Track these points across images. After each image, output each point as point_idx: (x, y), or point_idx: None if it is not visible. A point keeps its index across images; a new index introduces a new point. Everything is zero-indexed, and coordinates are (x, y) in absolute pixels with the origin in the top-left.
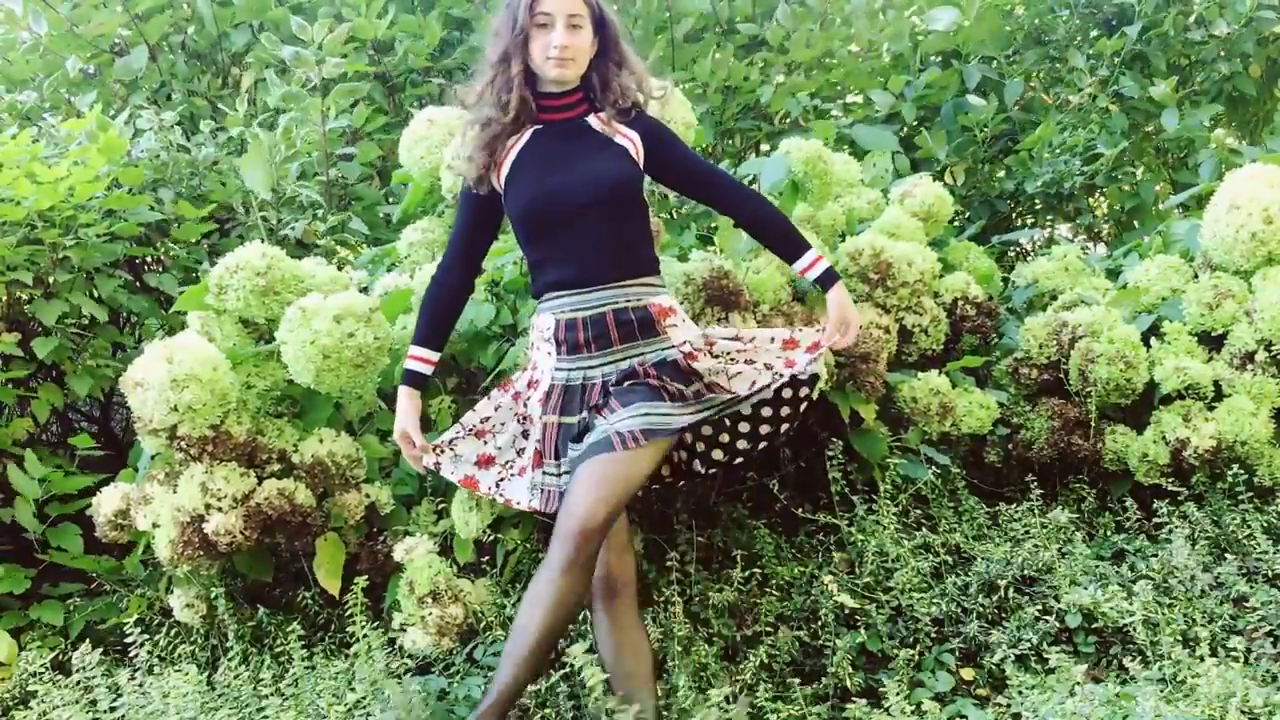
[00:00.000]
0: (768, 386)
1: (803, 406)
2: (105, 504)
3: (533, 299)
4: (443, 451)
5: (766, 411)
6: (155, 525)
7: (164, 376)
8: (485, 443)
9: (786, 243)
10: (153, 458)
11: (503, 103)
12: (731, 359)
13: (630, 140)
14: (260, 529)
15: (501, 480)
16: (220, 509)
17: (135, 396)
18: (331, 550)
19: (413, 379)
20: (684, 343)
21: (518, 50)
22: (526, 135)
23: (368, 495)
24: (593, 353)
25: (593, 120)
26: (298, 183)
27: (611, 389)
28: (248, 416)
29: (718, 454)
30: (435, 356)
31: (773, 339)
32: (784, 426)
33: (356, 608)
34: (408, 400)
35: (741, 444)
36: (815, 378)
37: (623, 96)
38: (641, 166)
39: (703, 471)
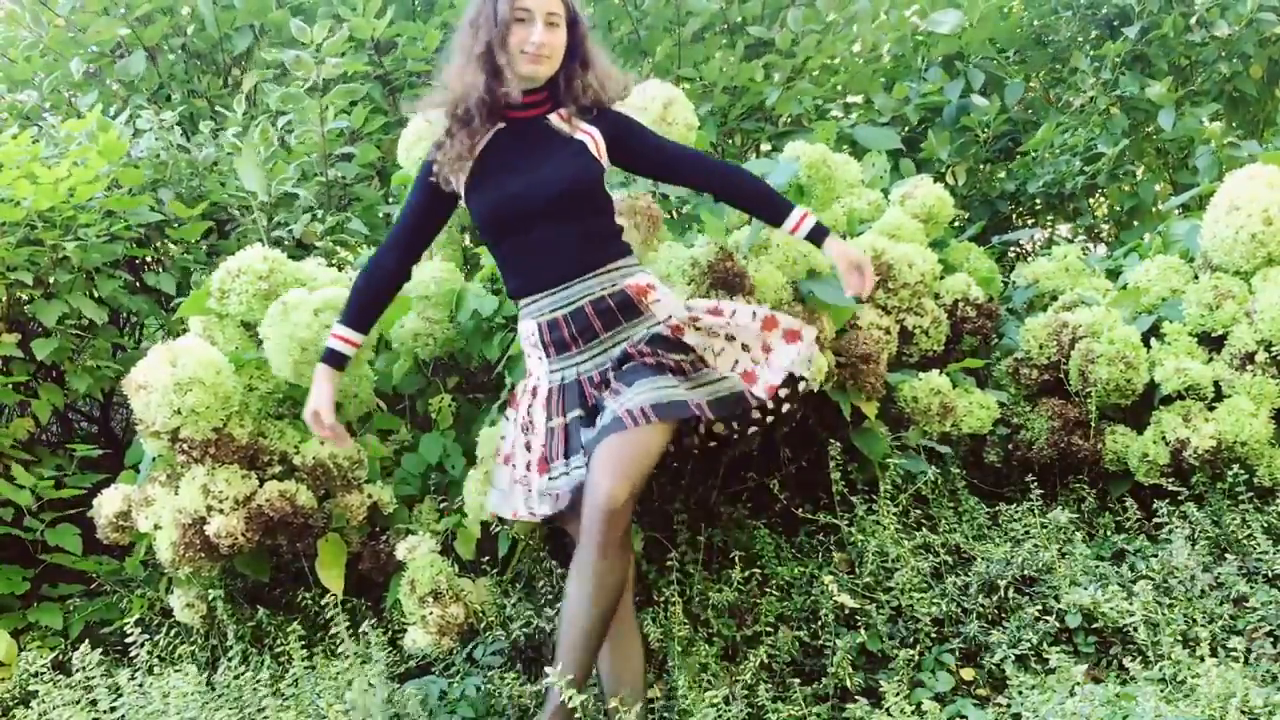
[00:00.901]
0: (761, 399)
1: (784, 407)
2: (106, 505)
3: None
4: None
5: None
6: (157, 527)
7: (167, 379)
8: (514, 468)
9: (770, 206)
10: (154, 459)
11: (489, 96)
12: (713, 334)
13: (590, 135)
14: (262, 530)
15: (528, 500)
16: (222, 511)
17: (138, 399)
18: (333, 550)
19: (333, 359)
20: (668, 317)
21: (501, 44)
22: (489, 135)
23: (369, 495)
24: (581, 348)
25: (553, 118)
26: (293, 185)
27: (613, 374)
28: (249, 419)
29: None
30: (360, 339)
31: (754, 314)
32: (772, 418)
33: (335, 608)
34: (324, 379)
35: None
36: (794, 378)
37: (584, 95)
38: (603, 161)
39: (694, 448)
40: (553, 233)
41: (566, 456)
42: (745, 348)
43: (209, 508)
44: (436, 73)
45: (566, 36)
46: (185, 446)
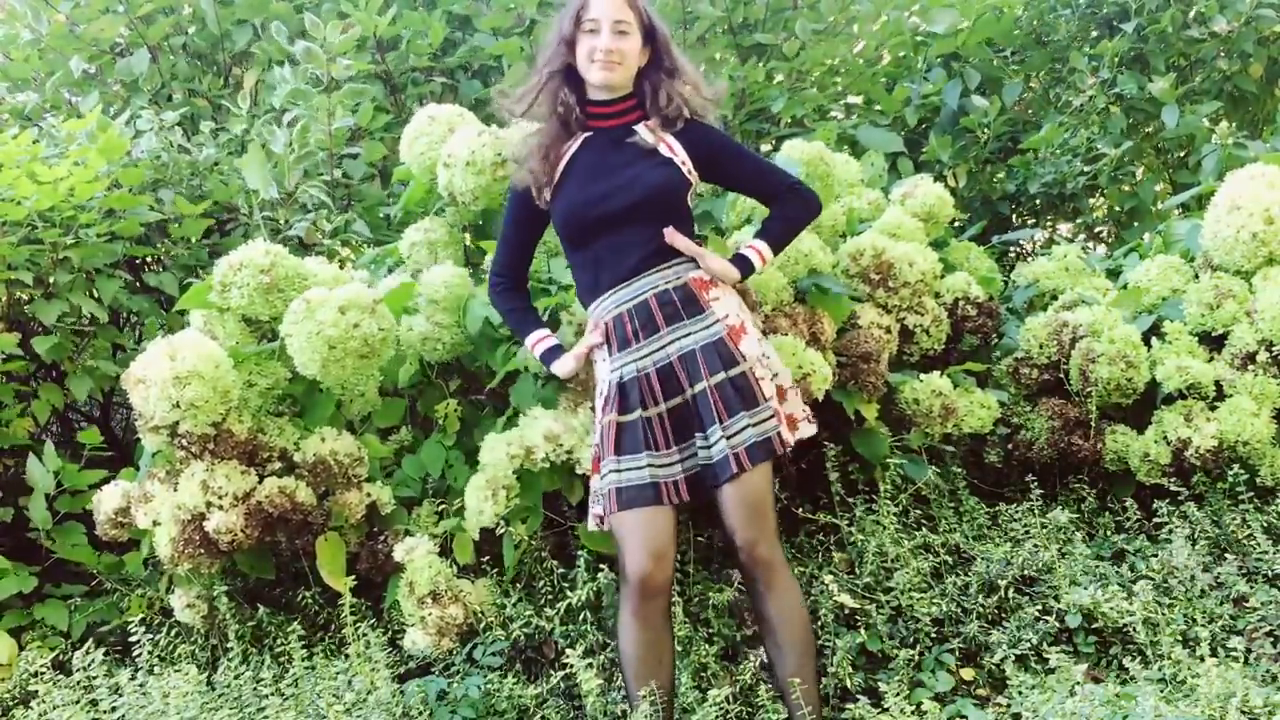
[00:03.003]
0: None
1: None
2: (106, 502)
3: (583, 309)
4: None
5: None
6: (156, 524)
7: (166, 373)
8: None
9: (763, 228)
10: (154, 455)
11: (553, 109)
12: (762, 341)
13: (674, 150)
14: (261, 527)
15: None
16: (221, 507)
17: (137, 393)
18: (332, 550)
19: (554, 352)
20: (726, 315)
21: (573, 56)
22: (577, 143)
23: (369, 494)
24: (641, 342)
25: (641, 128)
26: (306, 183)
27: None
28: (249, 415)
29: None
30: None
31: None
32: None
33: (347, 609)
34: (565, 360)
35: None
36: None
37: (669, 105)
38: (688, 175)
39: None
40: (627, 238)
41: (617, 453)
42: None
43: (208, 504)
44: (440, 70)
45: (645, 46)
46: (184, 442)
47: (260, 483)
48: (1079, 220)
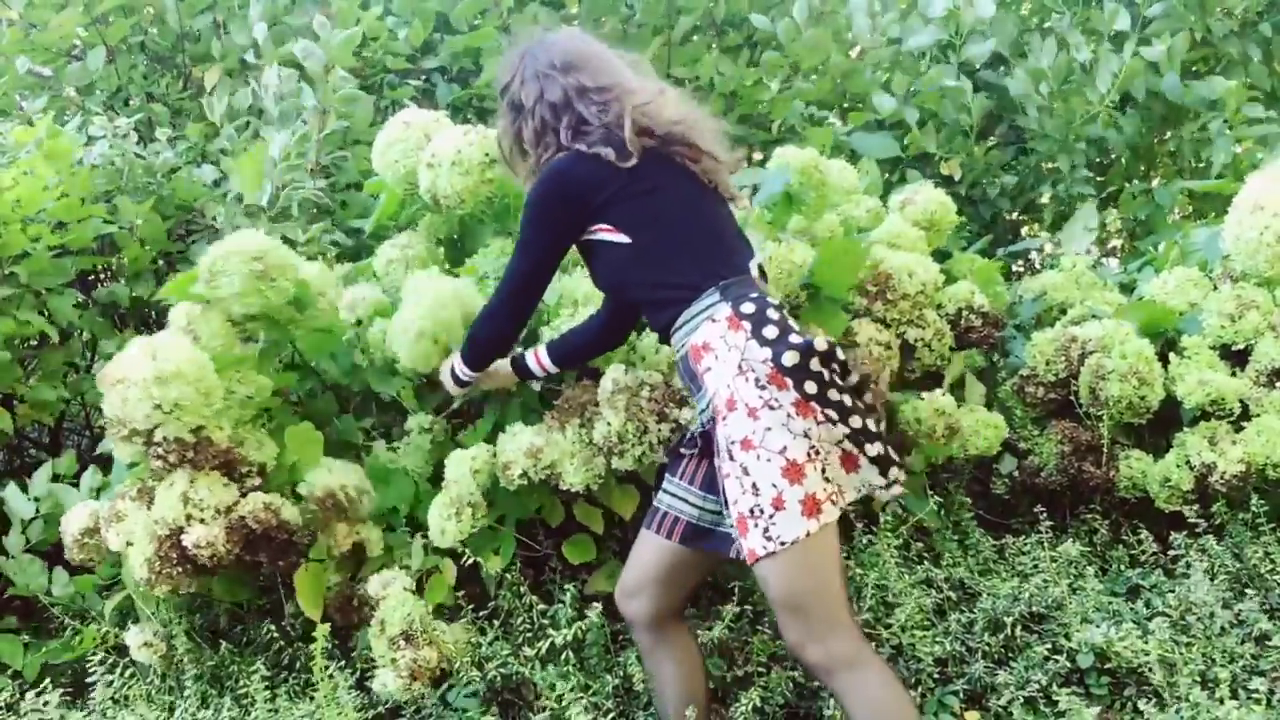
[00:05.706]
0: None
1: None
2: (73, 523)
3: None
4: None
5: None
6: (129, 544)
7: (148, 373)
8: None
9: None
10: (129, 468)
11: None
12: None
13: None
14: (243, 544)
15: None
16: (202, 520)
17: (115, 394)
18: (312, 581)
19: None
20: (715, 394)
21: None
22: None
23: (358, 531)
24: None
25: None
26: (294, 188)
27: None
28: (228, 424)
29: None
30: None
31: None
32: None
33: (319, 650)
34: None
35: None
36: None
37: None
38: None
39: None
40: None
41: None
42: (756, 488)
43: (189, 517)
44: (418, 73)
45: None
46: (161, 450)
47: (243, 497)
48: (1085, 189)
